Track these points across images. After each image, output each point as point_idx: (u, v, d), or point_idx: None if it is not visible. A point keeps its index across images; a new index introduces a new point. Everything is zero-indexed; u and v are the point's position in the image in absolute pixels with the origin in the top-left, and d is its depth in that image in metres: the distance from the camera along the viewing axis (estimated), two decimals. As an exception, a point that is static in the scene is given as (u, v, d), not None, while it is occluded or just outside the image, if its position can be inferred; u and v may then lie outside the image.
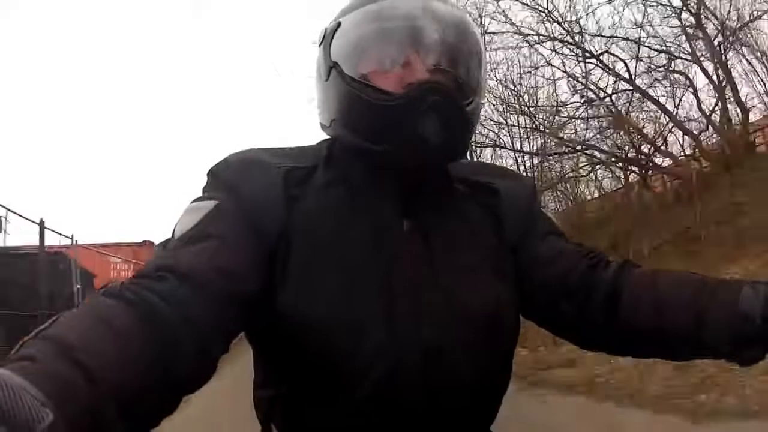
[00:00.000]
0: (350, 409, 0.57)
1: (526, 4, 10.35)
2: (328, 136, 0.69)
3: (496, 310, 0.63)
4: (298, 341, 0.57)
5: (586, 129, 11.20)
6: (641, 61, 10.30)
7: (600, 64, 10.42)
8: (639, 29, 10.15)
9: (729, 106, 10.17)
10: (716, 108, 10.26)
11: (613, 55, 10.37)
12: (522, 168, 12.95)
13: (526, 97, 12.05)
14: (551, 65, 10.91)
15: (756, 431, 2.94)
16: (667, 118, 10.60)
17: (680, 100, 10.74)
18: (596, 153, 11.44)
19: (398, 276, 0.60)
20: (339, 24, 0.63)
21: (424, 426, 0.59)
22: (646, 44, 10.28)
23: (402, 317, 0.58)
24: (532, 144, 13.20)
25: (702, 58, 10.17)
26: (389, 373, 0.57)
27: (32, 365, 0.34)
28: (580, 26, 10.32)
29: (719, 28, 9.79)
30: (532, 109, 11.84)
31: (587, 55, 10.34)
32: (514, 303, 0.66)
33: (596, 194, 13.86)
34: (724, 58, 9.93)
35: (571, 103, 11.16)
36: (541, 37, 10.51)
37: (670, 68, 10.43)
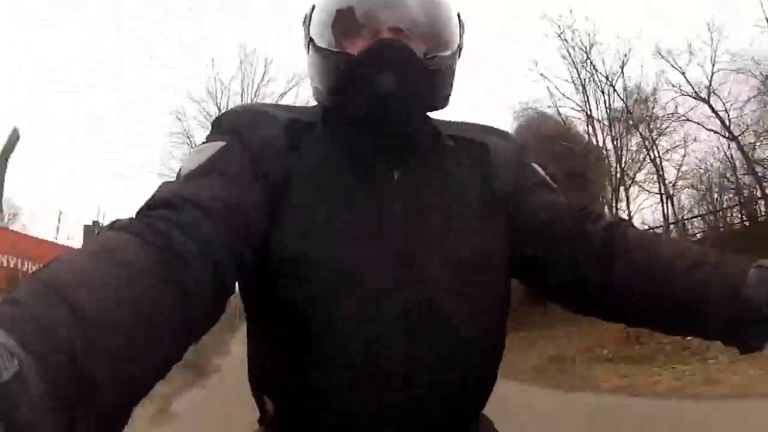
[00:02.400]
0: (335, 368, 0.57)
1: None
2: None
3: (486, 260, 0.63)
4: (287, 291, 0.58)
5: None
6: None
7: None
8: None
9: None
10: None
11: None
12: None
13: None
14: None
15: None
16: None
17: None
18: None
19: (389, 224, 0.61)
20: (314, 6, 0.69)
21: (419, 384, 0.58)
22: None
23: (391, 267, 0.59)
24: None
25: None
26: (375, 326, 0.57)
27: (11, 309, 0.32)
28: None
29: None
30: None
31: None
32: (504, 257, 0.66)
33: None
34: None
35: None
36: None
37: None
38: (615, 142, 11.75)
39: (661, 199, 12.02)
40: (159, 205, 0.49)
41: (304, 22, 0.70)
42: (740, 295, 0.53)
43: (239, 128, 0.63)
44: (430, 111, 0.69)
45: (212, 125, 0.66)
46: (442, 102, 0.67)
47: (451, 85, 0.68)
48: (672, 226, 12.17)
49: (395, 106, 0.62)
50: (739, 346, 0.56)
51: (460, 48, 0.68)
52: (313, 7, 0.69)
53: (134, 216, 0.48)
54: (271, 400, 0.63)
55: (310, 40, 0.67)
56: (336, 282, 0.57)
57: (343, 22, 0.64)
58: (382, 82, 0.60)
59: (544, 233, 0.67)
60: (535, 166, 0.75)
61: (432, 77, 0.64)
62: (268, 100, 10.83)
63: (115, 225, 0.45)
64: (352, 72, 0.62)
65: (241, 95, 15.16)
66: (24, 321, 0.31)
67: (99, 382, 0.33)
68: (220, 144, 0.60)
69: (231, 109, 0.68)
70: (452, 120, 0.74)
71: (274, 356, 0.62)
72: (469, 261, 0.62)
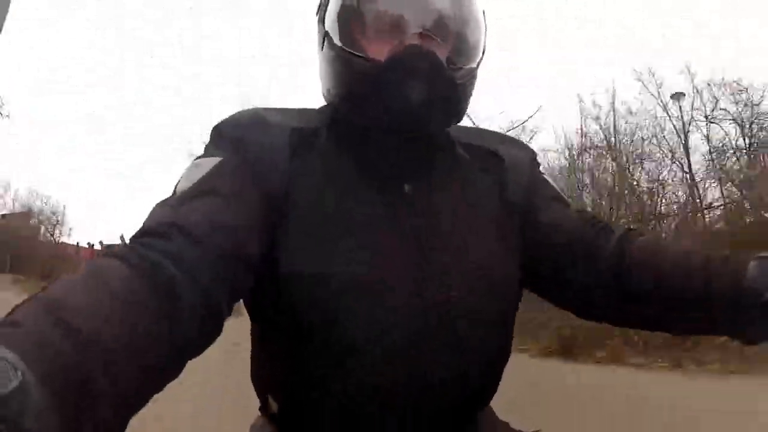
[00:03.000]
0: (344, 370, 0.57)
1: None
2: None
3: (497, 273, 0.63)
4: (295, 299, 0.57)
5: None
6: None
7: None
8: None
9: None
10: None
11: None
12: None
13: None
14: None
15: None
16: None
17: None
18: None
19: (398, 237, 0.59)
20: None
21: (425, 394, 0.58)
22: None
23: (400, 277, 0.58)
24: None
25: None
26: (386, 332, 0.57)
27: (12, 329, 0.33)
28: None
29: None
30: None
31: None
32: (515, 268, 0.66)
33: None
34: None
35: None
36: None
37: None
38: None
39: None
40: (149, 233, 0.49)
41: (317, 11, 0.65)
42: (742, 286, 0.54)
43: (239, 139, 0.60)
44: (448, 125, 0.65)
45: (211, 134, 0.63)
46: (461, 115, 0.64)
47: (471, 97, 0.65)
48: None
49: (418, 118, 0.59)
50: (742, 338, 0.56)
51: (483, 52, 0.64)
52: None
53: (127, 243, 0.48)
54: (275, 399, 0.64)
55: (326, 35, 0.62)
56: (342, 295, 0.56)
57: (364, 19, 0.60)
58: (408, 92, 0.57)
59: (558, 247, 0.66)
60: (548, 178, 0.74)
61: (457, 89, 0.61)
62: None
63: (108, 252, 0.46)
64: (376, 80, 0.57)
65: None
66: (24, 339, 0.32)
67: (98, 394, 0.34)
68: (216, 159, 0.57)
69: (231, 116, 0.64)
70: (467, 126, 0.71)
71: (281, 360, 0.62)
72: (479, 271, 0.61)
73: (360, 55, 0.59)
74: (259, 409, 0.68)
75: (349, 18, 0.60)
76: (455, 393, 0.60)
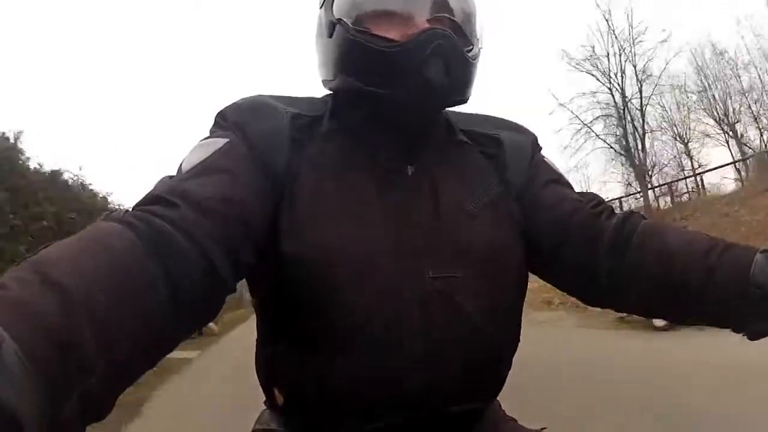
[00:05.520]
0: (352, 356, 0.56)
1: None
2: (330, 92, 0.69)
3: (500, 254, 0.63)
4: (301, 282, 0.57)
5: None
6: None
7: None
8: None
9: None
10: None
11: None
12: None
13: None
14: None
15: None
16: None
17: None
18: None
19: (402, 217, 0.60)
20: None
21: (433, 373, 0.57)
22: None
23: (406, 257, 0.58)
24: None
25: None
26: (392, 314, 0.56)
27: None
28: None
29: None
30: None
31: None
32: (518, 249, 0.65)
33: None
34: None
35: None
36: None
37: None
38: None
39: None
40: (154, 201, 0.48)
41: (322, 4, 0.67)
42: (748, 279, 0.53)
43: (243, 122, 0.61)
44: (459, 104, 0.67)
45: (215, 119, 0.64)
46: (467, 97, 0.66)
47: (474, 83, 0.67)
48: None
49: (437, 95, 0.60)
50: (746, 332, 0.56)
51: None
52: None
53: (129, 210, 0.48)
54: (281, 391, 0.63)
55: (338, 21, 0.63)
56: (349, 275, 0.56)
57: (381, 3, 0.62)
58: (431, 70, 0.58)
59: (558, 227, 0.66)
60: (549, 161, 0.74)
61: (470, 68, 0.63)
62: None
63: (109, 216, 0.45)
64: (399, 58, 0.59)
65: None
66: (8, 304, 0.30)
67: (85, 365, 0.32)
68: (222, 140, 0.59)
69: (234, 102, 0.65)
70: (466, 112, 0.72)
71: (287, 347, 0.61)
72: (482, 253, 0.61)
73: (383, 36, 0.60)
74: (264, 402, 0.68)
75: (362, 3, 0.62)
76: (462, 380, 0.59)
